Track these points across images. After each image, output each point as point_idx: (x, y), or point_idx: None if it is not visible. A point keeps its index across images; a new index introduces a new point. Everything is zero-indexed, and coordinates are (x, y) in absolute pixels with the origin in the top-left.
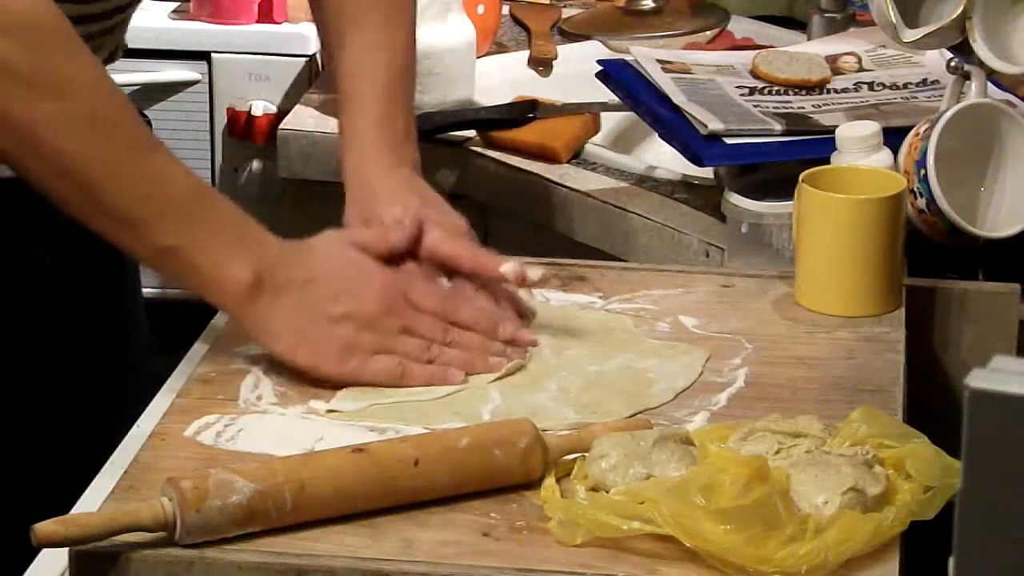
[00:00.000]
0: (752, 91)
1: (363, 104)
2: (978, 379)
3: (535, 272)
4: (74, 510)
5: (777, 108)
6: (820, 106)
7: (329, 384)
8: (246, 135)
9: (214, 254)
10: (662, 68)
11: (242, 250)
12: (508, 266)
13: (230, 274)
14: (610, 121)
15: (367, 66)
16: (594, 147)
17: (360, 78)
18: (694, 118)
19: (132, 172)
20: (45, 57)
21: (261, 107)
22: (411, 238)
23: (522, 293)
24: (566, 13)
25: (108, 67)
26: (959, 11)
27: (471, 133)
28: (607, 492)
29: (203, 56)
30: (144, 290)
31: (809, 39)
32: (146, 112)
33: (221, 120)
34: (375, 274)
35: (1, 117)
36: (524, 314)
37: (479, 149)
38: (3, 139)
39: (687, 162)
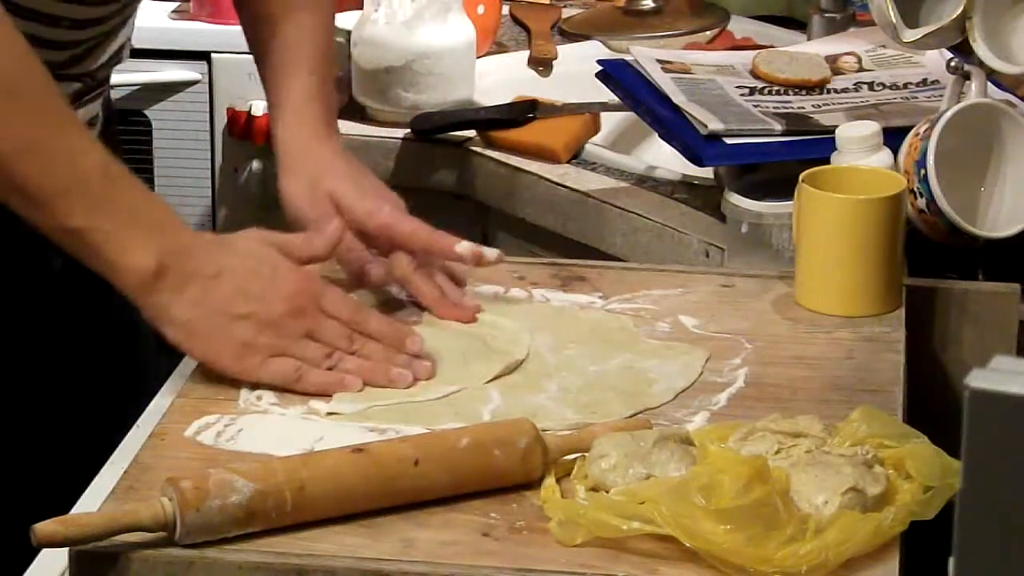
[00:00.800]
0: (752, 91)
1: (300, 75)
2: (978, 379)
3: (491, 252)
4: (74, 510)
5: (777, 108)
6: (820, 106)
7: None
8: (246, 135)
9: (118, 239)
10: (662, 68)
11: (148, 237)
12: (463, 245)
13: (133, 261)
14: (610, 121)
15: (300, 42)
16: (594, 147)
17: (294, 52)
18: (694, 118)
19: (41, 148)
20: None
21: (261, 107)
22: (335, 246)
23: (522, 293)
24: (566, 13)
25: (115, 67)
26: (959, 11)
27: (471, 133)
28: (607, 492)
29: (203, 56)
30: None
31: (809, 39)
32: (146, 112)
33: (221, 120)
34: (288, 276)
35: None
36: (461, 284)
37: (479, 149)
38: None
39: (687, 162)
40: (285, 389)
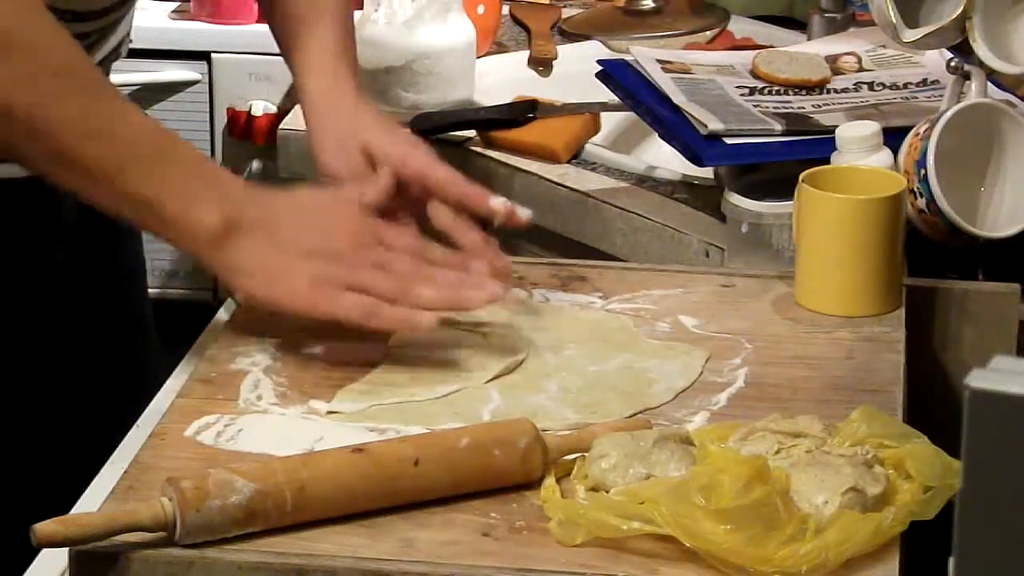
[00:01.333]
0: (752, 91)
1: (321, 45)
2: (978, 379)
3: (524, 212)
4: (74, 510)
5: (777, 108)
6: (820, 106)
7: (330, 381)
8: (246, 135)
9: (182, 199)
10: (662, 68)
11: (209, 192)
12: (497, 199)
13: (198, 217)
14: (610, 121)
15: (319, 8)
16: (594, 147)
17: (315, 10)
18: (694, 118)
19: (96, 123)
20: (6, 17)
21: (261, 107)
22: (387, 195)
23: (522, 293)
24: (566, 13)
25: (113, 63)
26: (959, 11)
27: (471, 133)
28: (607, 492)
29: (203, 56)
30: None
31: (809, 39)
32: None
33: (221, 120)
34: (345, 210)
35: None
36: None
37: (479, 149)
38: None
39: (687, 162)
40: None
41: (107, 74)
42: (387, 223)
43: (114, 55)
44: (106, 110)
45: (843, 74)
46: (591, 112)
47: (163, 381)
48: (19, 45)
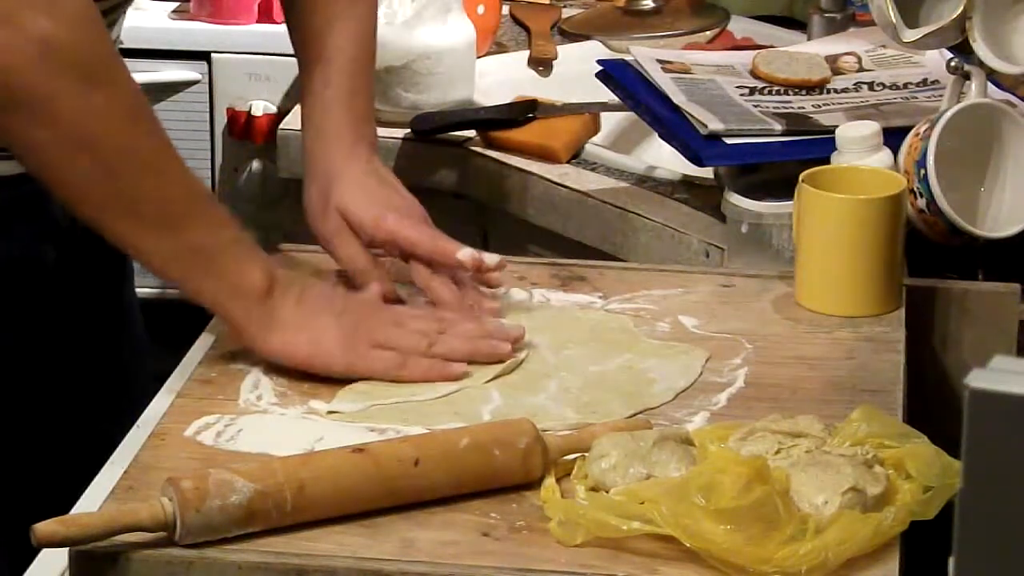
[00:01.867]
0: (752, 91)
1: (328, 79)
2: (978, 379)
3: (491, 258)
4: (74, 510)
5: (777, 108)
6: (820, 106)
7: (321, 383)
8: (246, 135)
9: (238, 255)
10: (662, 68)
11: (253, 252)
12: (464, 252)
13: (251, 274)
14: (610, 121)
15: (333, 40)
16: (594, 147)
17: (327, 53)
18: (694, 118)
19: (167, 171)
20: (95, 46)
21: (261, 107)
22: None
23: (522, 293)
24: (566, 13)
25: None
26: (959, 11)
27: (471, 133)
28: (607, 492)
29: (203, 56)
30: (143, 290)
31: (809, 39)
32: None
33: (221, 120)
34: (358, 293)
35: (50, 105)
36: (495, 285)
37: (479, 149)
38: (46, 130)
39: (687, 162)
40: (390, 380)
41: None
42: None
43: None
44: (174, 162)
45: (843, 74)
46: (591, 112)
47: (157, 379)
48: (116, 81)
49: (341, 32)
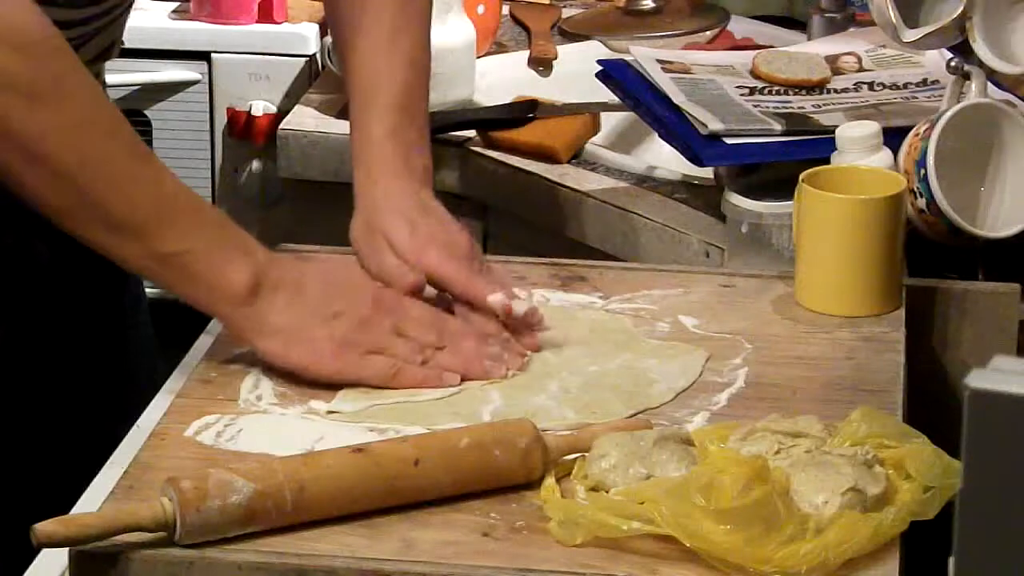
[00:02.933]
0: (752, 91)
1: (377, 112)
2: (978, 379)
3: (520, 306)
4: (74, 510)
5: (777, 108)
6: (820, 106)
7: (321, 384)
8: (246, 135)
9: (212, 259)
10: (662, 68)
11: (238, 253)
12: (495, 297)
13: (230, 278)
14: (610, 121)
15: (382, 67)
16: (594, 147)
17: (374, 81)
18: (694, 118)
19: (133, 179)
20: (40, 66)
21: (261, 107)
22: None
23: (522, 293)
24: (566, 13)
25: (106, 64)
26: (959, 11)
27: (471, 133)
28: (607, 492)
29: (203, 56)
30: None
31: (809, 39)
32: (146, 112)
33: (221, 120)
34: (366, 281)
35: (0, 129)
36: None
37: (479, 149)
38: (2, 152)
39: (687, 162)
40: (382, 386)
41: (100, 74)
42: (407, 298)
43: (105, 55)
44: (144, 169)
45: (843, 74)
46: (591, 112)
47: (161, 378)
48: (68, 95)
49: (393, 55)
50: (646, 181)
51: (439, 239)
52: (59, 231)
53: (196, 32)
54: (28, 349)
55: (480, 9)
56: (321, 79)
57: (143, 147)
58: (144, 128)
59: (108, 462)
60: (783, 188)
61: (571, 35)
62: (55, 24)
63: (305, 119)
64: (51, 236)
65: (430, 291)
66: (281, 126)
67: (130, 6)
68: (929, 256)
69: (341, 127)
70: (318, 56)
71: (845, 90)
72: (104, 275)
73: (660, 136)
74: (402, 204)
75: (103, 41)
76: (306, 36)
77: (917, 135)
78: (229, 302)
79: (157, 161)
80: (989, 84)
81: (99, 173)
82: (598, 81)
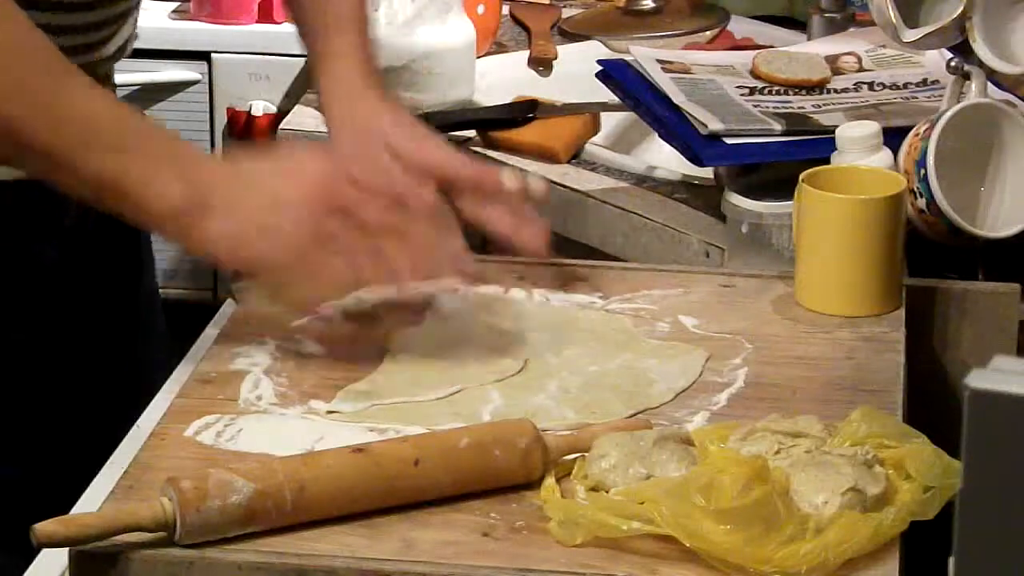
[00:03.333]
0: (752, 91)
1: (336, 35)
2: (978, 379)
3: (537, 184)
4: (74, 510)
5: (777, 108)
6: (820, 106)
7: (329, 381)
8: (246, 135)
9: (142, 177)
10: (662, 68)
11: (171, 168)
12: (509, 177)
13: (161, 193)
14: (610, 121)
15: (329, 8)
16: (594, 147)
17: (326, 13)
18: (694, 118)
19: (53, 103)
20: None
21: (261, 107)
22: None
23: (522, 293)
24: (566, 13)
25: (116, 63)
26: (959, 11)
27: (471, 133)
28: (607, 492)
29: (203, 56)
30: None
31: (809, 39)
32: (146, 112)
33: (221, 120)
34: (314, 165)
35: None
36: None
37: (479, 149)
38: None
39: (687, 162)
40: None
41: (109, 76)
42: (366, 197)
43: (120, 53)
44: (65, 94)
45: (843, 74)
46: (591, 112)
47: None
48: None
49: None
50: (646, 181)
51: (433, 137)
52: (70, 235)
53: (196, 32)
54: (42, 350)
55: (480, 9)
56: None
57: (64, 65)
58: None
59: (108, 462)
60: (783, 188)
61: (571, 35)
62: (74, 29)
63: (305, 119)
64: (60, 240)
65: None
66: (281, 126)
67: (138, 4)
68: (929, 256)
69: None
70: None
71: (845, 90)
72: (117, 276)
73: (660, 136)
74: (390, 116)
75: (125, 33)
76: None
77: (917, 135)
78: (163, 218)
79: (85, 87)
80: (989, 84)
81: (16, 98)
82: (598, 81)
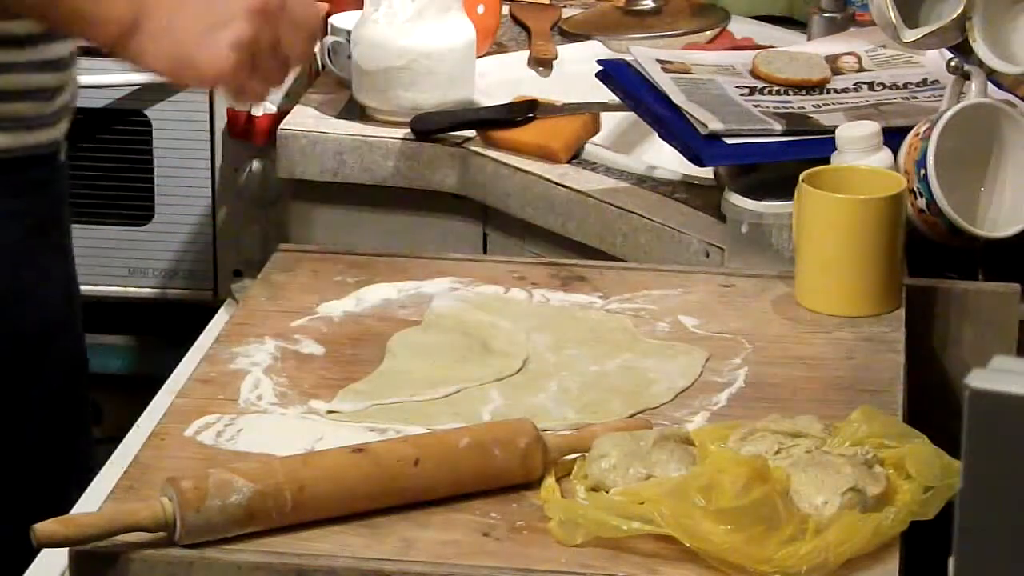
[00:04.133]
0: (752, 91)
1: None
2: (978, 379)
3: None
4: (74, 510)
5: (777, 108)
6: (820, 106)
7: (329, 380)
8: (246, 135)
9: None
10: (662, 68)
11: None
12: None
13: (107, 12)
14: (610, 121)
15: None
16: (594, 147)
17: None
18: (694, 118)
19: None
20: None
21: (261, 107)
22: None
23: (522, 293)
24: (566, 13)
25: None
26: (959, 11)
27: (471, 133)
28: (607, 492)
29: None
30: (144, 290)
31: (809, 39)
32: (146, 112)
33: (221, 120)
34: None
35: None
36: None
37: (479, 149)
38: None
39: (687, 162)
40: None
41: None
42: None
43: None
44: None
45: (843, 74)
46: (591, 112)
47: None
48: None
49: None
50: (646, 181)
51: None
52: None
53: None
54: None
55: (480, 9)
56: (321, 79)
57: None
58: (144, 128)
59: (108, 462)
60: (783, 188)
61: (571, 35)
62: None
63: (305, 119)
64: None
65: None
66: (281, 126)
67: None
68: (929, 256)
69: (341, 127)
70: (318, 56)
71: (845, 90)
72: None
73: (660, 136)
74: None
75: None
76: None
77: (917, 135)
78: (112, 35)
79: None
80: (989, 84)
81: None
82: (598, 81)
